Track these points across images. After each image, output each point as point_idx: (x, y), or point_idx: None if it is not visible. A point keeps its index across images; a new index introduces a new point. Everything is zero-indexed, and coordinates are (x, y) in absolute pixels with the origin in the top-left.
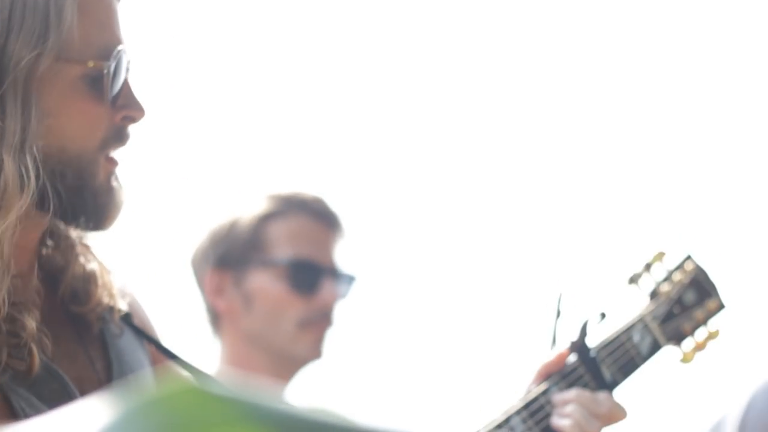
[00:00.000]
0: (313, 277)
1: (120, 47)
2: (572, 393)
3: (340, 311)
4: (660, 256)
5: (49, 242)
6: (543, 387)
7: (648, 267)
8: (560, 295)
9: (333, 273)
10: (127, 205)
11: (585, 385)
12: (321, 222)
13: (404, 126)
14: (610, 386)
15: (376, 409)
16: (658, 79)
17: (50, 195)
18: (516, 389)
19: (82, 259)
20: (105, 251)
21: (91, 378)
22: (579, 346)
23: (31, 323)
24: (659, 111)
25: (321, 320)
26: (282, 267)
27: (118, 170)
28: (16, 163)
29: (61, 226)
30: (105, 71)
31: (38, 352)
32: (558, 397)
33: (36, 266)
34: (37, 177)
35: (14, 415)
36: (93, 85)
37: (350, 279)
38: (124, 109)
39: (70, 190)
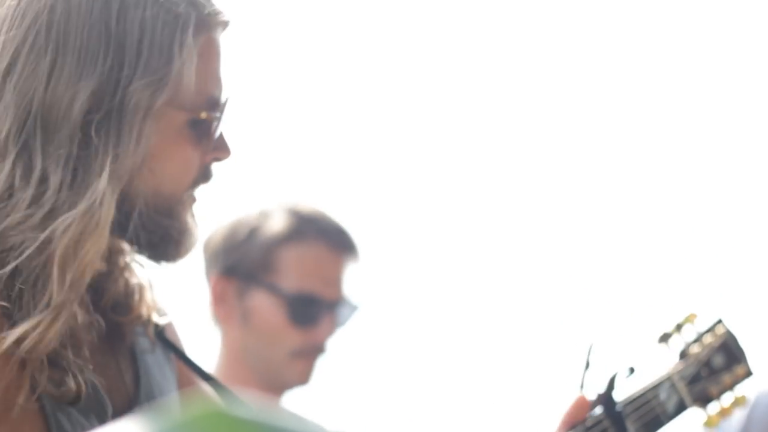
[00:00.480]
0: (314, 312)
1: (226, 96)
2: None
3: (336, 339)
4: (692, 317)
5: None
6: None
7: (679, 327)
8: (591, 346)
9: (336, 306)
10: (198, 240)
11: None
12: (337, 252)
13: (416, 131)
14: None
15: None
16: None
17: (134, 228)
18: None
19: (126, 272)
20: (146, 266)
21: (119, 389)
22: (605, 399)
23: (72, 352)
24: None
25: (314, 351)
26: (286, 297)
27: (195, 206)
28: (113, 202)
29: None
30: (213, 123)
31: (82, 383)
32: None
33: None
34: (128, 212)
35: (45, 418)
36: (196, 131)
37: (353, 309)
38: (216, 151)
39: (157, 226)
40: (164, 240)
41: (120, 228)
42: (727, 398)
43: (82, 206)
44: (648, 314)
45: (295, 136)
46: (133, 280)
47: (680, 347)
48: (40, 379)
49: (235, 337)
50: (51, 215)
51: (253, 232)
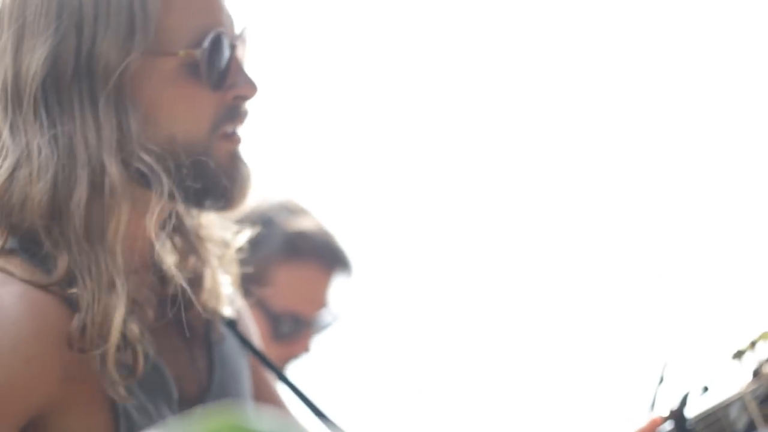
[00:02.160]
0: (296, 331)
1: (214, 31)
2: None
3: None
4: (766, 335)
5: (177, 238)
6: None
7: (753, 345)
8: (666, 361)
9: (317, 323)
10: (254, 181)
11: None
12: (329, 272)
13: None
14: None
15: None
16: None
17: (168, 183)
18: None
19: (193, 260)
20: (220, 251)
21: (191, 377)
22: (677, 416)
23: (135, 329)
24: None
25: (288, 361)
26: (271, 314)
27: (241, 147)
28: (118, 165)
29: (183, 219)
30: (199, 58)
31: (143, 355)
32: None
33: (153, 258)
34: (151, 172)
35: (113, 405)
36: (193, 73)
37: (332, 319)
38: (234, 88)
39: (188, 175)
40: (203, 188)
41: (162, 188)
42: None
43: (82, 176)
44: (723, 330)
45: (294, 135)
46: (199, 269)
47: (753, 366)
48: (107, 357)
49: None
50: (54, 191)
51: (251, 243)
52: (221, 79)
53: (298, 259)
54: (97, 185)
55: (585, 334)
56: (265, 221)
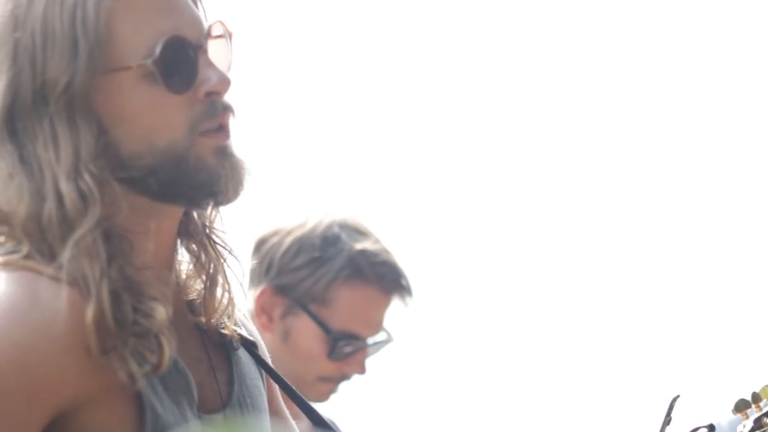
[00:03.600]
0: (352, 350)
1: (165, 37)
2: None
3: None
4: (767, 390)
5: (192, 245)
6: None
7: (756, 398)
8: (674, 400)
9: (372, 344)
10: (248, 172)
11: None
12: (389, 297)
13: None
14: None
15: None
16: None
17: (157, 188)
18: None
19: (207, 265)
20: (233, 254)
21: (211, 385)
22: None
23: (162, 314)
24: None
25: (340, 379)
26: (330, 334)
27: (229, 141)
28: (73, 184)
29: (197, 225)
30: (152, 67)
31: (170, 347)
32: None
33: (174, 264)
34: (136, 179)
35: (140, 401)
36: (155, 81)
37: (387, 342)
38: (203, 86)
39: (175, 177)
40: (197, 187)
41: (157, 193)
42: None
43: (48, 193)
44: (730, 370)
45: (304, 138)
46: (214, 282)
47: (756, 415)
48: (127, 347)
49: (269, 342)
50: (30, 209)
51: (314, 262)
52: (186, 81)
53: (362, 280)
54: (61, 201)
55: (592, 368)
56: (330, 239)
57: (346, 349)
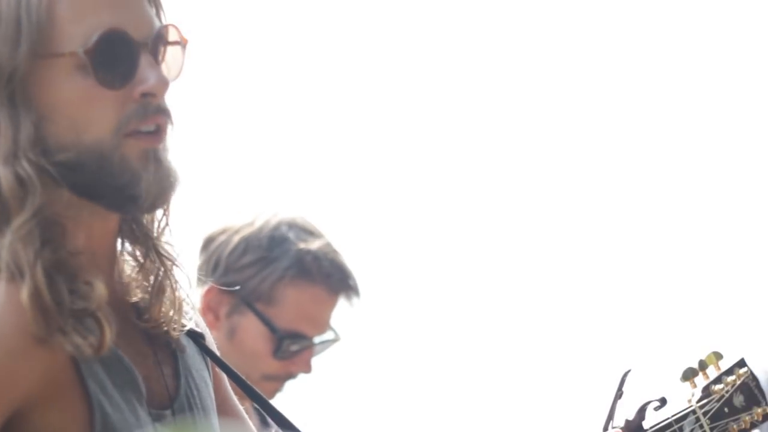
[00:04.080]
0: (298, 349)
1: (103, 30)
2: None
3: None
4: (716, 355)
5: (136, 251)
6: None
7: (702, 366)
8: (626, 374)
9: (318, 343)
10: (174, 181)
11: None
12: (335, 296)
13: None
14: None
15: None
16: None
17: (80, 183)
18: None
19: (154, 272)
20: (178, 266)
21: (158, 380)
22: (634, 428)
23: (100, 290)
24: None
25: (286, 378)
26: (276, 333)
27: (160, 145)
28: (11, 170)
29: (143, 232)
30: (84, 58)
31: (111, 326)
32: None
33: (115, 268)
34: (44, 174)
35: (89, 400)
36: (87, 73)
37: (334, 341)
38: (140, 85)
39: (98, 175)
40: (120, 189)
41: (81, 189)
42: None
43: None
44: (678, 344)
45: (289, 137)
46: (159, 281)
47: (704, 382)
48: (67, 331)
49: (215, 340)
50: None
51: (261, 261)
52: (122, 78)
53: (308, 280)
54: None
55: (548, 343)
56: (277, 239)
57: (291, 348)
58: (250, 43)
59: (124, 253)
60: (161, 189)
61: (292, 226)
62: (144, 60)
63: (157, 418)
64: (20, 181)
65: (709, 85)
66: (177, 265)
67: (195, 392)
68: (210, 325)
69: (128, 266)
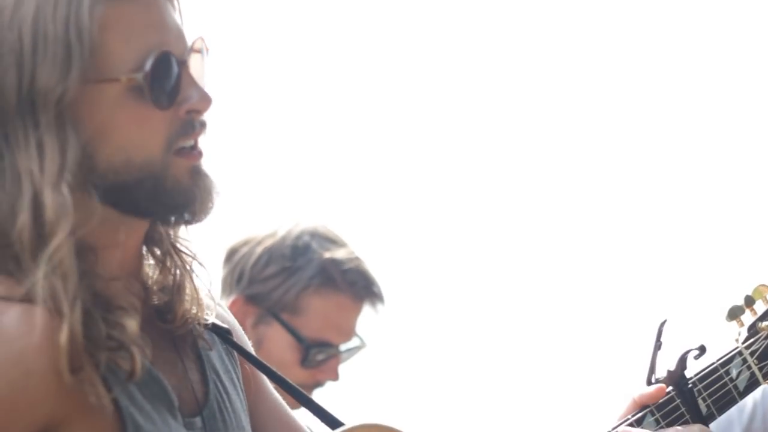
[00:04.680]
0: (325, 357)
1: (156, 52)
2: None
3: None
4: (761, 290)
5: (157, 251)
6: (638, 416)
7: (749, 302)
8: (662, 325)
9: (344, 351)
10: (218, 192)
11: (680, 417)
12: (360, 304)
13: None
14: (706, 419)
15: None
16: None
17: (129, 202)
18: (611, 417)
19: (173, 271)
20: (196, 262)
21: (186, 387)
22: (677, 378)
23: (132, 326)
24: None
25: (313, 386)
26: (302, 342)
27: (202, 161)
28: (57, 194)
29: (162, 234)
30: (142, 82)
31: (140, 357)
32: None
33: (141, 272)
34: (112, 193)
35: (120, 414)
36: (140, 95)
37: (360, 348)
38: (186, 103)
39: (149, 194)
40: (165, 204)
41: (129, 207)
42: None
43: (24, 205)
44: (718, 291)
45: (301, 140)
46: (179, 279)
47: (750, 321)
48: (100, 357)
49: None
50: (2, 220)
51: (285, 271)
52: (170, 97)
53: (332, 288)
54: (38, 212)
55: (582, 302)
56: (300, 249)
57: (318, 357)
58: (258, 45)
59: (146, 256)
60: (208, 201)
61: (314, 235)
62: (185, 76)
63: (188, 426)
64: (62, 206)
65: (709, 85)
66: (196, 260)
67: (224, 396)
68: None
69: (149, 268)
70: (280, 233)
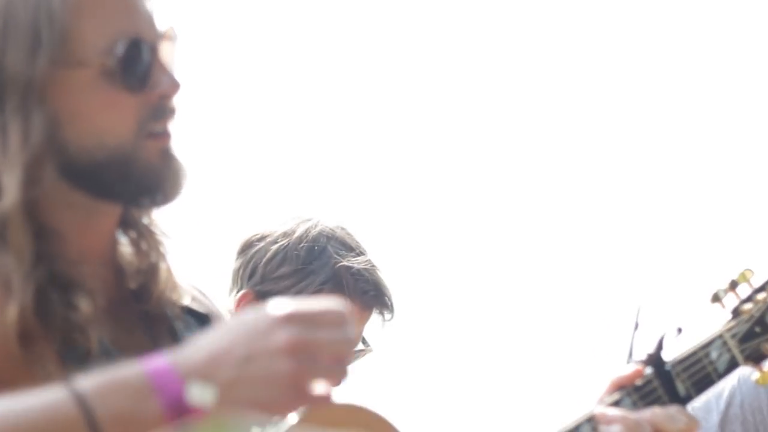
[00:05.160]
0: None
1: (127, 37)
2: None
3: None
4: (746, 274)
5: (132, 234)
6: (615, 398)
7: (733, 285)
8: (640, 307)
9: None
10: (187, 174)
11: (658, 399)
12: (368, 312)
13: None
14: (683, 400)
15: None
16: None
17: (100, 186)
18: (588, 399)
19: (147, 254)
20: (170, 244)
21: None
22: (654, 360)
23: (86, 306)
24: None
25: None
26: None
27: (171, 143)
28: (13, 176)
29: (136, 217)
30: (113, 67)
31: (96, 337)
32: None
33: (115, 256)
34: (82, 177)
35: None
36: (111, 80)
37: (364, 352)
38: (157, 88)
39: (120, 177)
40: (137, 187)
41: (100, 191)
42: None
43: None
44: (699, 273)
45: (300, 137)
46: (152, 261)
47: (733, 305)
48: (55, 335)
49: None
50: None
51: (298, 273)
52: (141, 82)
53: (343, 295)
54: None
55: (561, 286)
56: (315, 252)
57: None
58: (252, 42)
59: (119, 239)
60: (177, 183)
61: (331, 238)
62: (156, 62)
63: None
64: (20, 189)
65: (709, 85)
66: (168, 239)
67: None
68: None
69: (125, 251)
70: (298, 233)
